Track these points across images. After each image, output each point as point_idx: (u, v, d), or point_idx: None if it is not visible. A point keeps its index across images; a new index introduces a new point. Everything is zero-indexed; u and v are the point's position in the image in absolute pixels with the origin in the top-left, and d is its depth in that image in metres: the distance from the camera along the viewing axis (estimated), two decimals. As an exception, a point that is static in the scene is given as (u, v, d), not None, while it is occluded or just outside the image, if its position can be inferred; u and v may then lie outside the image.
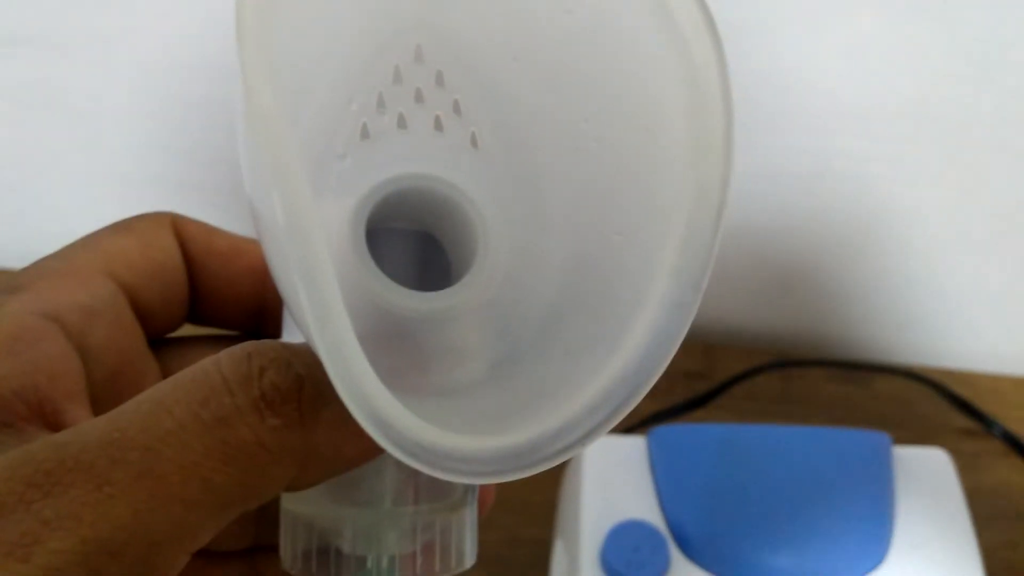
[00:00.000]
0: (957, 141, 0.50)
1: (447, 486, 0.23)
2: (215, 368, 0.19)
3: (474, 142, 0.22)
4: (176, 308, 0.25)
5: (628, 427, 0.51)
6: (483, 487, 0.25)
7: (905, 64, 0.47)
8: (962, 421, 0.55)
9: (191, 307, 0.25)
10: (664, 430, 0.41)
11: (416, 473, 0.21)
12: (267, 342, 0.19)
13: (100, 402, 0.22)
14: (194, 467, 0.18)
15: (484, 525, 0.24)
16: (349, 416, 0.17)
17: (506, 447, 0.18)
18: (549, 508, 0.46)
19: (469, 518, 0.23)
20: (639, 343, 0.19)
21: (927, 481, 0.40)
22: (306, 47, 0.20)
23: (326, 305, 0.16)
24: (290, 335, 0.24)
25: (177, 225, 0.25)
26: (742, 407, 0.55)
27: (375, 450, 0.19)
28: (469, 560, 0.23)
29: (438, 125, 0.22)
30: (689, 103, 0.19)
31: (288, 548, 0.22)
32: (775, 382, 0.56)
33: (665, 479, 0.39)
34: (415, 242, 0.23)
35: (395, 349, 0.21)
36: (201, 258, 0.25)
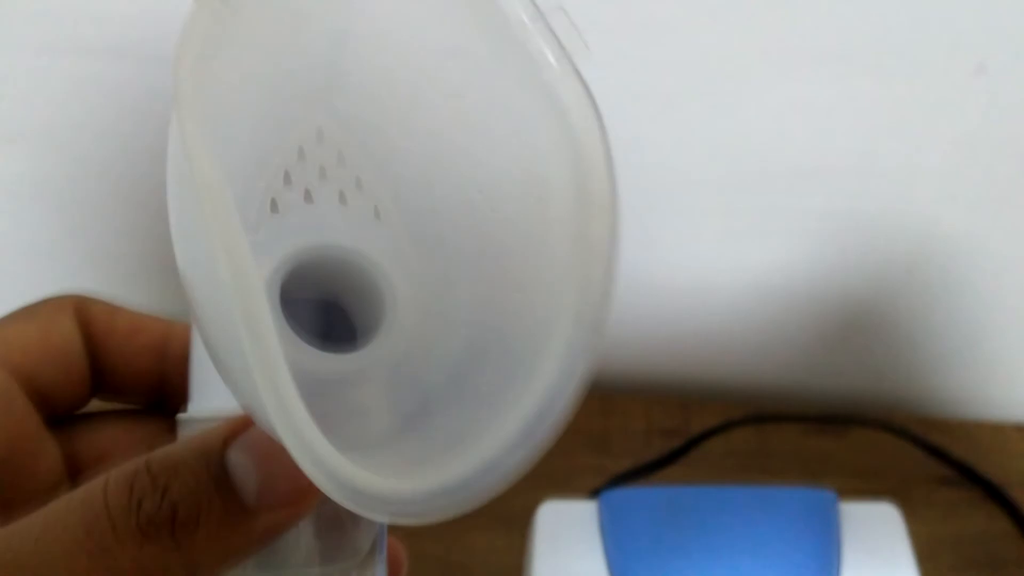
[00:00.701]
0: (904, 195, 0.50)
1: (353, 543, 0.24)
2: (101, 494, 0.21)
3: (377, 214, 0.24)
4: (77, 388, 0.27)
5: (601, 485, 0.52)
6: (393, 550, 0.26)
7: (847, 122, 0.48)
8: (940, 469, 0.55)
9: (96, 384, 0.27)
10: (614, 494, 0.42)
11: (320, 532, 0.23)
12: (156, 457, 0.21)
13: None
14: None
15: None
16: (227, 524, 0.20)
17: (439, 486, 0.20)
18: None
19: (380, 570, 0.24)
20: (548, 383, 0.21)
21: (874, 536, 0.40)
22: (221, 127, 0.21)
23: (272, 361, 0.17)
24: (197, 406, 0.25)
25: (79, 307, 0.27)
26: (719, 463, 0.56)
27: (266, 540, 0.22)
28: None
29: (342, 199, 0.24)
30: (574, 172, 0.21)
31: None
32: (751, 437, 0.57)
33: (614, 543, 0.40)
34: (323, 311, 0.25)
35: (311, 409, 0.23)
36: (102, 338, 0.27)
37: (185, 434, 0.25)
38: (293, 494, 0.21)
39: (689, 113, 0.49)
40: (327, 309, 0.25)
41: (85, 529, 0.20)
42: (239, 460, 0.21)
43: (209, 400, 0.24)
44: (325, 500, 0.20)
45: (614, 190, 0.21)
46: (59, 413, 0.27)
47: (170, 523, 0.20)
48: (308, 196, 0.23)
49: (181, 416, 0.25)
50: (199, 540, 0.21)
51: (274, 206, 0.23)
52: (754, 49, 0.46)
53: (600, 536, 0.40)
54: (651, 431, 0.57)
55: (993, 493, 0.53)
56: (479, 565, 0.51)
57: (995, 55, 0.45)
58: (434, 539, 0.51)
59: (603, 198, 0.21)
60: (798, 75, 0.47)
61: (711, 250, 0.55)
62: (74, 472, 0.27)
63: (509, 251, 0.23)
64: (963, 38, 0.45)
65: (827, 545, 0.39)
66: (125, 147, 0.51)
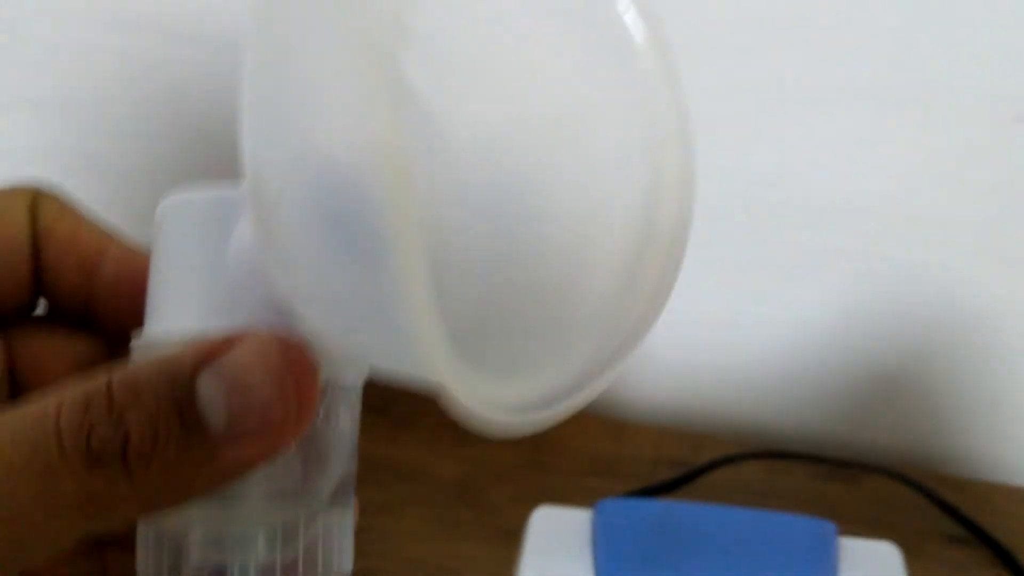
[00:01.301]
0: (936, 243, 0.50)
1: (316, 487, 0.23)
2: (55, 411, 0.20)
3: None
4: (21, 288, 0.26)
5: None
6: None
7: (878, 161, 0.48)
8: (950, 528, 0.53)
9: (38, 289, 0.26)
10: (610, 503, 0.41)
11: (279, 471, 0.22)
12: (117, 378, 0.20)
13: None
14: (21, 511, 0.19)
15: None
16: (187, 458, 0.19)
17: (550, 389, 0.20)
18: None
19: (347, 520, 0.24)
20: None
21: (872, 573, 0.39)
22: None
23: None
24: (157, 326, 0.23)
25: (35, 200, 0.26)
26: (725, 497, 0.55)
27: (229, 477, 0.21)
28: (346, 566, 0.24)
29: None
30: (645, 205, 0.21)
31: (141, 563, 0.23)
32: (760, 474, 0.56)
33: (605, 552, 0.39)
34: None
35: None
36: (43, 239, 0.25)
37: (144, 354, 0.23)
38: (266, 429, 0.20)
39: (720, 142, 0.49)
40: None
41: (31, 446, 0.19)
42: (209, 388, 0.20)
43: (173, 320, 0.23)
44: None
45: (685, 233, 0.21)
46: (3, 312, 0.26)
47: (121, 450, 0.19)
48: None
49: (137, 342, 0.24)
50: (153, 471, 0.20)
51: None
52: (790, 80, 0.46)
53: (591, 544, 0.40)
54: (659, 460, 0.57)
55: (1002, 556, 0.51)
56: (471, 572, 0.50)
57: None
58: (427, 546, 0.51)
59: (671, 239, 0.21)
60: (833, 109, 0.47)
61: (735, 283, 0.55)
62: (12, 376, 0.26)
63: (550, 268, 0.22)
64: (1006, 86, 0.44)
65: (823, 574, 0.38)
66: (138, 115, 0.51)
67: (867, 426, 0.59)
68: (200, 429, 0.20)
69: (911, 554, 0.44)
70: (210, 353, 0.20)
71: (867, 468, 0.55)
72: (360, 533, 0.25)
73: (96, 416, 0.19)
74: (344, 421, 0.23)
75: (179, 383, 0.20)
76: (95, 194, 0.58)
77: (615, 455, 0.57)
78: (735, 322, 0.56)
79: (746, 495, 0.55)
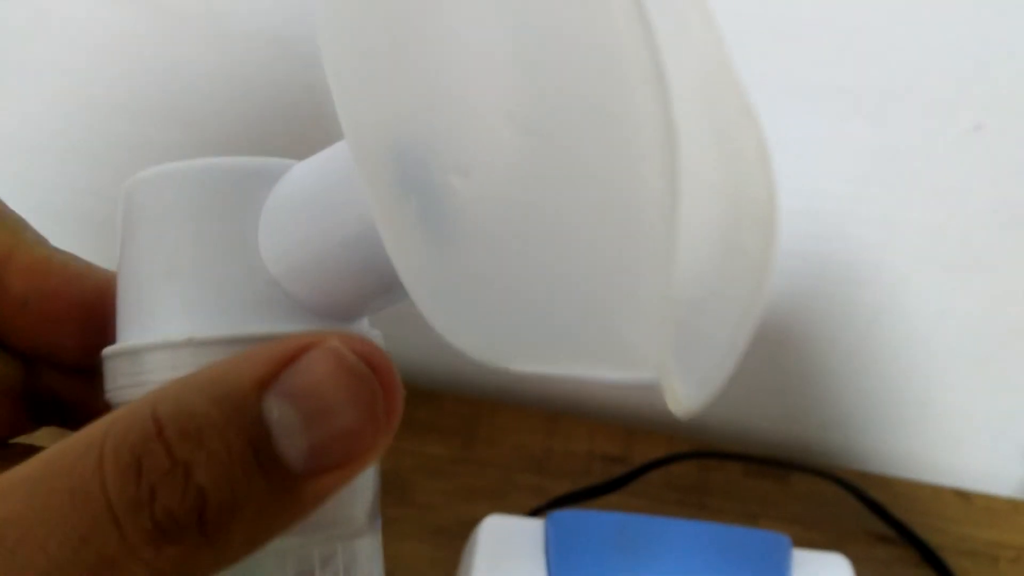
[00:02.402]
0: (881, 246, 0.50)
1: (350, 511, 0.20)
2: (97, 483, 0.15)
3: None
4: None
5: (538, 507, 0.50)
6: None
7: (834, 164, 0.47)
8: (877, 526, 0.54)
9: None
10: (563, 515, 0.40)
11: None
12: (168, 414, 0.16)
13: None
14: None
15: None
16: (270, 504, 0.15)
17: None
18: (446, 585, 0.45)
19: (375, 546, 0.20)
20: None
21: (824, 587, 0.39)
22: None
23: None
24: (144, 331, 0.19)
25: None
26: (659, 495, 0.54)
27: (309, 514, 0.17)
28: None
29: None
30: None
31: None
32: (693, 472, 0.56)
33: (558, 564, 0.38)
34: None
35: None
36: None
37: (120, 368, 0.19)
38: (353, 454, 0.16)
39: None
40: None
41: (81, 536, 0.15)
42: (283, 414, 0.16)
43: (178, 324, 0.18)
44: None
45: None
46: None
47: (198, 517, 0.15)
48: None
49: (114, 348, 0.19)
50: (235, 531, 0.15)
51: None
52: (749, 80, 0.45)
53: (544, 557, 0.39)
54: (593, 455, 0.56)
55: (927, 554, 0.52)
56: (405, 574, 0.49)
57: (995, 115, 0.44)
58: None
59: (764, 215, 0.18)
60: (792, 110, 0.46)
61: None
62: None
63: None
64: (965, 94, 0.44)
65: (777, 590, 0.38)
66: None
67: (797, 423, 0.59)
68: (279, 468, 0.16)
69: (838, 551, 0.45)
70: (274, 366, 0.16)
71: (796, 466, 0.56)
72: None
73: (155, 478, 0.15)
74: None
75: (247, 415, 0.16)
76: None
77: (548, 449, 0.56)
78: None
79: (679, 492, 0.55)
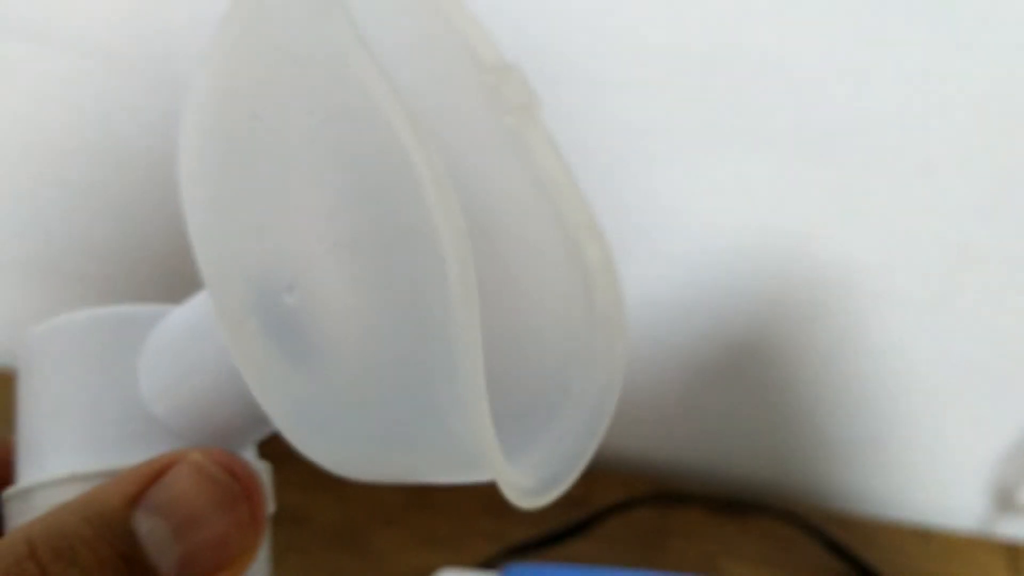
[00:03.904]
0: (836, 287, 0.50)
1: None
2: None
3: None
4: None
5: (495, 555, 0.49)
6: None
7: (787, 205, 0.47)
8: (839, 566, 0.54)
9: None
10: (518, 569, 0.39)
11: None
12: (40, 536, 0.16)
13: None
14: None
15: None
16: None
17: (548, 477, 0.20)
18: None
19: None
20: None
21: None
22: None
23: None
24: (38, 470, 0.20)
25: None
26: (619, 539, 0.54)
27: None
28: None
29: None
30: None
31: None
32: (653, 515, 0.55)
33: (514, 621, 0.37)
34: None
35: None
36: None
37: (14, 509, 0.20)
38: (223, 561, 0.17)
39: (626, 180, 0.48)
40: None
41: None
42: (152, 526, 0.17)
43: (66, 460, 0.19)
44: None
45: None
46: None
47: None
48: None
49: (9, 491, 0.20)
50: None
51: None
52: (701, 120, 0.45)
53: (500, 612, 0.38)
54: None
55: (889, 595, 0.52)
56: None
57: (943, 156, 0.45)
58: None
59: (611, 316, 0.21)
60: (742, 152, 0.46)
61: (633, 317, 0.54)
62: None
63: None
64: (913, 136, 0.45)
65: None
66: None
67: (756, 462, 0.59)
68: None
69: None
70: (141, 483, 0.17)
71: (756, 507, 0.55)
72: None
73: (48, 555, 0.15)
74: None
75: (116, 527, 0.16)
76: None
77: (505, 493, 0.55)
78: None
79: (640, 536, 0.54)
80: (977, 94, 0.44)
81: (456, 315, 0.15)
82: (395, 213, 0.15)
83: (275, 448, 0.22)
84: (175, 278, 0.47)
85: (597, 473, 0.57)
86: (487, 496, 0.55)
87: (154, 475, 0.17)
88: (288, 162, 0.16)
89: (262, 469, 0.21)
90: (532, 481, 0.19)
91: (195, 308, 0.20)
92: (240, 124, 0.17)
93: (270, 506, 0.20)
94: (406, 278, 0.15)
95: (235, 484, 0.18)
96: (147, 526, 0.17)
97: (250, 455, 0.22)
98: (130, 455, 0.18)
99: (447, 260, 0.15)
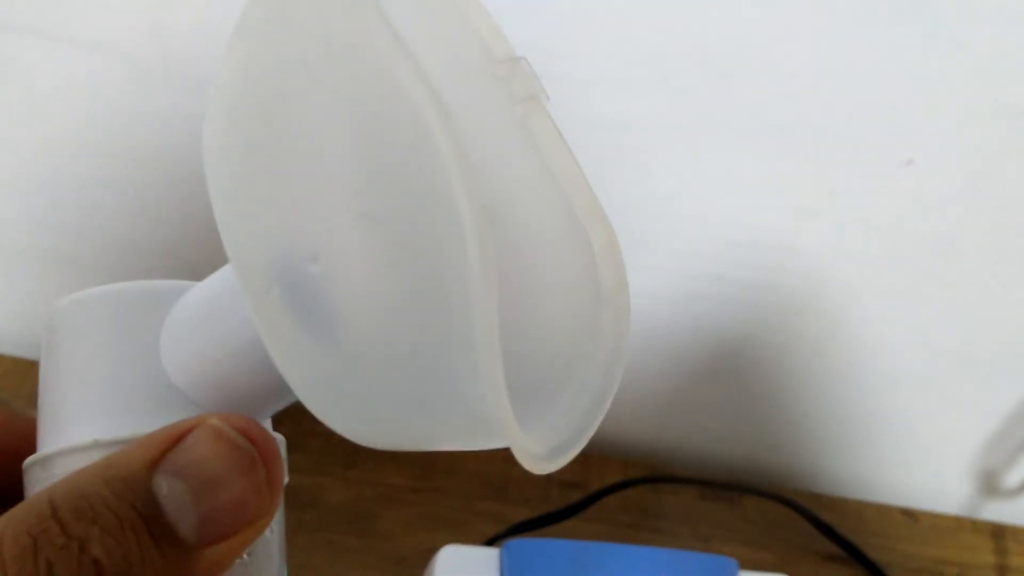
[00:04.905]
0: (821, 277, 0.52)
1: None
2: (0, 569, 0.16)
3: None
4: None
5: (496, 535, 0.51)
6: None
7: (772, 198, 0.49)
8: (826, 546, 0.56)
9: None
10: (517, 543, 0.41)
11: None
12: (61, 497, 0.17)
13: None
14: None
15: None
16: (165, 573, 0.17)
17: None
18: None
19: None
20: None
21: (770, 607, 0.41)
22: None
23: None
24: (61, 437, 0.21)
25: None
26: (614, 519, 0.56)
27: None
28: None
29: None
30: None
31: None
32: (648, 495, 0.57)
33: (513, 593, 0.39)
34: None
35: None
36: None
37: (34, 476, 0.20)
38: (241, 523, 0.18)
39: (617, 174, 0.49)
40: None
41: None
42: (172, 488, 0.17)
43: (90, 427, 0.20)
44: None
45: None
46: None
47: None
48: None
49: (30, 459, 0.21)
50: None
51: None
52: (689, 116, 0.47)
53: (500, 585, 0.40)
54: (550, 481, 0.57)
55: (876, 574, 0.54)
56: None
57: (925, 150, 0.46)
58: (325, 575, 0.50)
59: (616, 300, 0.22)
60: (733, 146, 0.48)
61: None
62: None
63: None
64: (898, 130, 0.46)
65: (724, 613, 0.39)
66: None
67: (748, 446, 0.60)
68: (172, 539, 0.17)
69: (789, 573, 0.46)
70: (161, 447, 0.18)
71: (748, 489, 0.57)
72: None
73: (51, 553, 0.16)
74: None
75: (137, 489, 0.17)
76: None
77: (507, 476, 0.57)
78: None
79: (634, 515, 0.56)
80: (959, 90, 0.45)
81: (475, 285, 0.15)
82: (418, 186, 0.16)
83: (284, 432, 0.23)
84: (190, 271, 0.49)
85: (594, 458, 0.59)
86: (488, 479, 0.57)
87: (174, 439, 0.18)
88: (314, 137, 0.17)
89: (278, 440, 0.22)
90: (543, 448, 0.19)
91: (217, 282, 0.20)
92: (267, 101, 0.17)
93: (285, 476, 0.21)
94: (427, 248, 0.16)
95: (253, 448, 0.18)
96: (167, 488, 0.17)
97: (267, 428, 0.23)
98: (151, 423, 0.19)
99: (467, 232, 0.15)
